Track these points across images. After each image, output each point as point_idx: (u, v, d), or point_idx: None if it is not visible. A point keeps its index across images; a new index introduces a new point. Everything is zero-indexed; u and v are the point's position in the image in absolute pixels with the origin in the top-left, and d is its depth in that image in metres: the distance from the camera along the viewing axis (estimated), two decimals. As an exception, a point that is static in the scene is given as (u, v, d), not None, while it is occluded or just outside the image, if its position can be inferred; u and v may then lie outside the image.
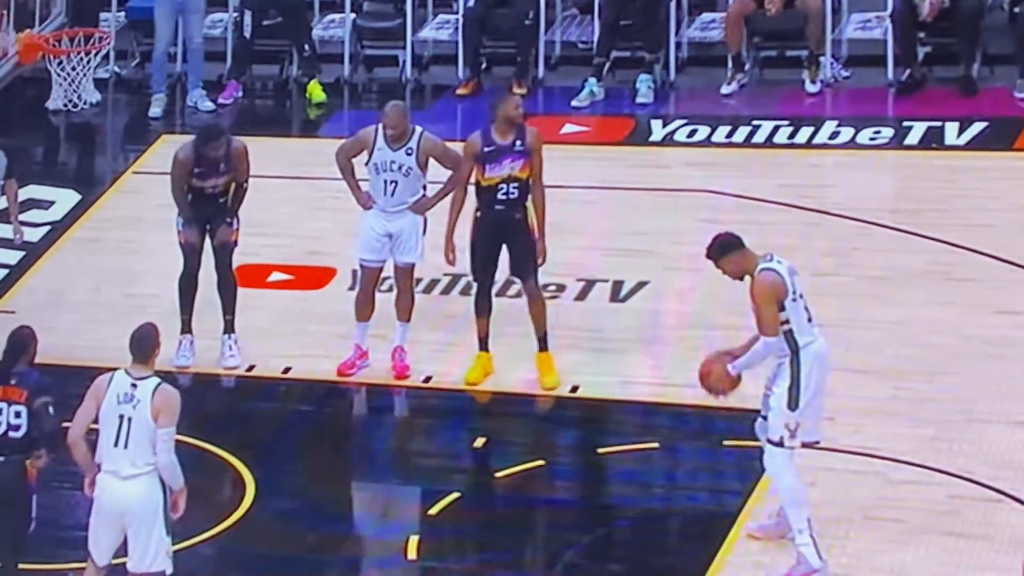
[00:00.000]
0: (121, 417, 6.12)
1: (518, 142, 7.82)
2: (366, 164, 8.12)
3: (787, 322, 6.39)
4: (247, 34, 11.24)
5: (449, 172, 8.13)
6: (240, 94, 11.35)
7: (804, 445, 6.49)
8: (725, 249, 6.46)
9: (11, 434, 6.34)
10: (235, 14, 11.63)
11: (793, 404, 6.39)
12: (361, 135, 8.20)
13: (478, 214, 7.92)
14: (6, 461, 6.32)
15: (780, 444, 6.43)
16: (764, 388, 6.57)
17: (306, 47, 11.28)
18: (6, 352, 6.52)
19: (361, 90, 11.54)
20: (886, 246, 9.03)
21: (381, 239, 8.12)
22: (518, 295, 8.33)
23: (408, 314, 8.18)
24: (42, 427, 6.34)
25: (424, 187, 8.14)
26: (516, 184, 7.82)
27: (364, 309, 8.23)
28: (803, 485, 6.49)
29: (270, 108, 11.80)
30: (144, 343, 6.23)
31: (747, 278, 6.44)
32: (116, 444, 6.12)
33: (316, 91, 11.18)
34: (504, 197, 7.82)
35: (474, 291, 8.09)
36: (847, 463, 7.21)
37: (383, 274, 8.31)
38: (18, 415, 6.35)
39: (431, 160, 8.10)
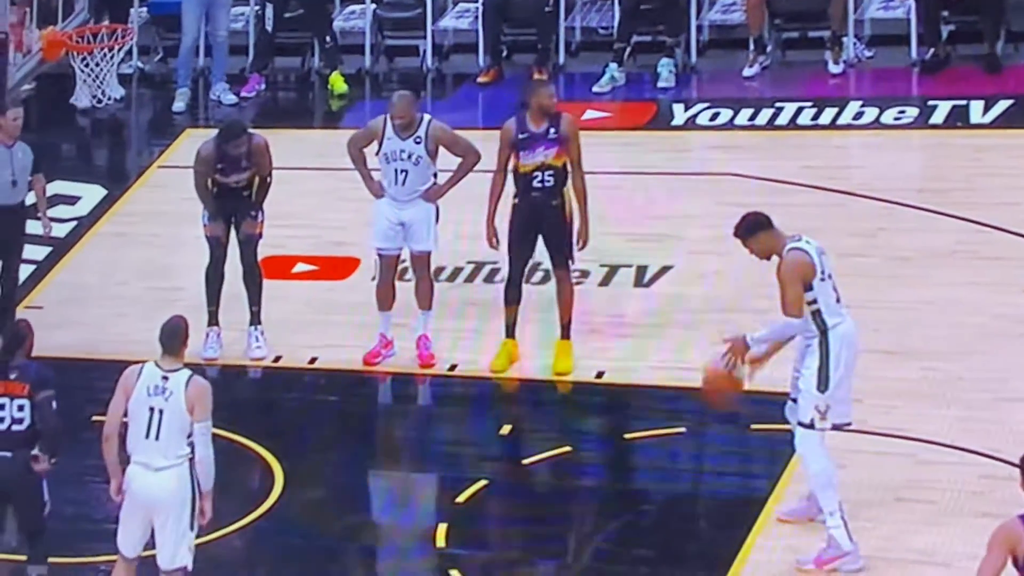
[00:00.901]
0: (152, 409, 6.15)
1: (552, 130, 7.84)
2: (377, 154, 8.16)
3: (815, 302, 6.36)
4: (269, 27, 11.24)
5: (459, 159, 8.14)
6: (263, 87, 11.38)
7: (835, 427, 6.46)
8: (753, 229, 6.43)
9: (15, 428, 6.37)
10: (257, 7, 11.66)
11: (823, 385, 6.36)
12: (371, 125, 8.25)
13: (515, 200, 7.93)
14: (13, 456, 6.35)
15: (811, 426, 6.40)
16: (793, 371, 6.55)
17: (327, 39, 11.29)
18: (3, 346, 6.55)
19: (382, 80, 11.55)
20: (912, 226, 8.97)
21: (395, 227, 8.15)
22: (542, 282, 8.32)
23: (428, 302, 8.20)
24: (45, 423, 6.36)
25: (435, 175, 8.16)
26: (551, 172, 7.83)
27: (385, 298, 8.25)
28: (834, 467, 6.47)
29: (292, 100, 11.82)
30: (174, 335, 6.26)
31: (774, 258, 6.41)
32: (148, 436, 6.15)
33: (338, 82, 11.19)
34: (540, 185, 7.84)
35: (504, 278, 8.09)
36: (877, 445, 7.17)
37: (403, 264, 8.33)
38: (21, 408, 6.37)
39: (441, 148, 8.10)
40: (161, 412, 6.14)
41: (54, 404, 6.35)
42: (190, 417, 6.14)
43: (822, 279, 6.37)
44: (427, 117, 8.13)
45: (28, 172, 8.71)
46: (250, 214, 8.35)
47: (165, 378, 6.17)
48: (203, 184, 8.37)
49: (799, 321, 6.33)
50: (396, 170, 8.08)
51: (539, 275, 8.43)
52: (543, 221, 7.89)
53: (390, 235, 8.17)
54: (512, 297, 8.02)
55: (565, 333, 8.03)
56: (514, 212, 7.94)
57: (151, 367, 6.23)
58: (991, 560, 4.91)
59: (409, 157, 8.05)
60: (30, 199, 8.90)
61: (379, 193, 8.18)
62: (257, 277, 8.44)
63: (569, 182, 7.90)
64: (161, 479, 6.14)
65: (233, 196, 8.36)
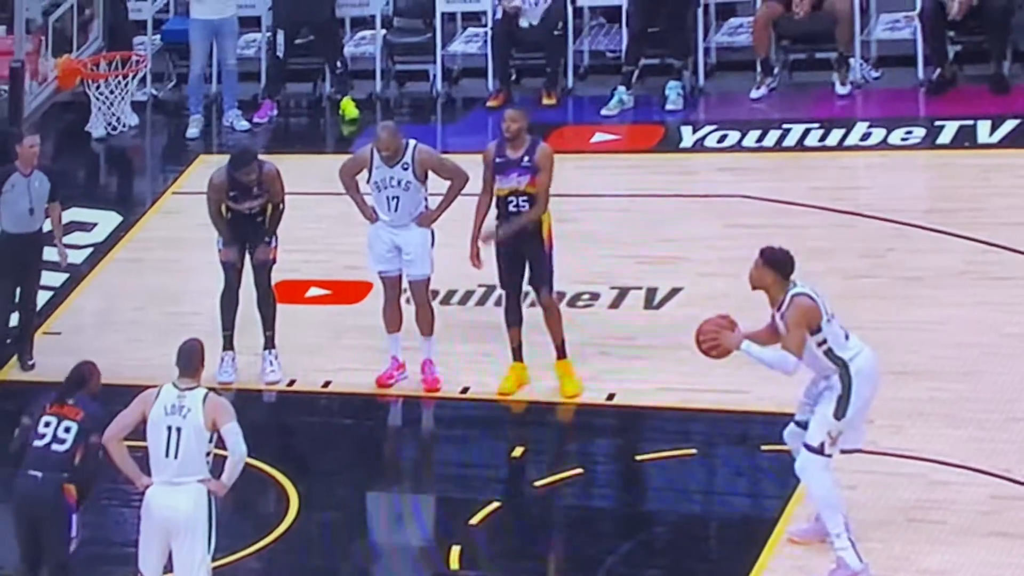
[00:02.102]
0: (169, 428, 6.23)
1: (526, 157, 7.89)
2: (367, 182, 8.26)
3: (825, 342, 6.41)
4: (280, 54, 11.34)
5: (448, 183, 8.21)
6: (275, 113, 11.47)
7: (843, 451, 6.50)
8: (775, 264, 6.42)
9: (54, 446, 6.41)
10: (268, 34, 11.77)
11: (840, 413, 6.40)
12: (358, 155, 8.37)
13: (496, 221, 8.00)
14: (44, 478, 6.40)
15: (819, 450, 6.44)
16: (803, 396, 6.58)
17: (338, 64, 11.39)
18: (65, 382, 6.63)
19: (393, 105, 11.64)
20: (921, 246, 9.00)
21: (392, 250, 8.24)
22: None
23: (430, 327, 8.26)
24: (86, 467, 6.41)
25: (426, 199, 8.23)
26: (524, 197, 7.90)
27: (392, 320, 8.32)
28: (838, 489, 6.50)
29: (304, 125, 11.92)
30: (191, 357, 6.36)
31: (762, 293, 6.45)
32: (167, 455, 6.23)
33: (349, 108, 11.28)
34: (515, 209, 7.91)
35: (503, 302, 8.14)
36: (887, 465, 7.20)
37: (405, 289, 8.36)
38: (67, 430, 6.43)
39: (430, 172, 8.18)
40: (179, 430, 6.22)
41: (100, 454, 6.39)
42: (208, 433, 6.22)
43: (828, 320, 6.42)
44: (412, 142, 8.21)
45: (45, 200, 8.82)
46: (264, 240, 8.43)
47: (182, 396, 6.26)
48: (216, 211, 8.47)
49: (796, 361, 6.35)
50: (388, 197, 8.17)
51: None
52: (522, 244, 7.93)
53: (387, 257, 8.26)
54: (512, 320, 8.07)
55: (560, 353, 8.06)
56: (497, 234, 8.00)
57: (168, 387, 6.32)
58: None
59: (399, 184, 8.14)
60: (46, 226, 9.01)
61: (373, 218, 8.28)
62: (271, 302, 8.52)
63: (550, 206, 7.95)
64: (178, 499, 6.21)
65: (247, 222, 8.45)
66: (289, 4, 11.22)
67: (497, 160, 7.95)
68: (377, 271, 8.36)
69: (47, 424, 6.46)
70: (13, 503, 6.49)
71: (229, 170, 8.41)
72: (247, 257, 8.50)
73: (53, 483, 6.39)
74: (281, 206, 8.48)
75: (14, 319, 9.00)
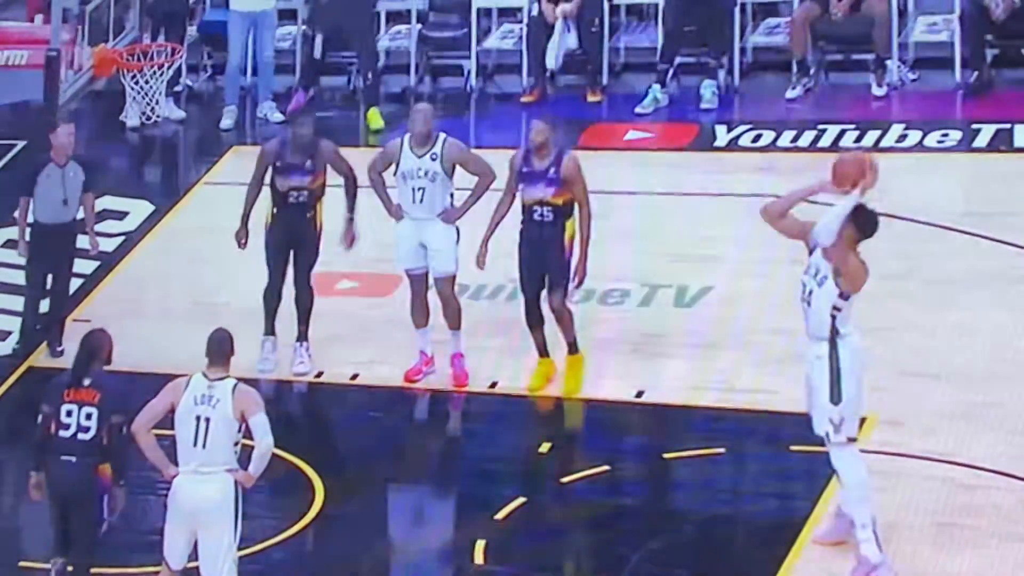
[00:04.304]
0: (198, 418, 6.25)
1: (552, 169, 7.84)
2: (395, 174, 8.25)
3: (840, 310, 6.40)
4: (317, 54, 11.28)
5: (475, 178, 8.19)
6: (304, 102, 11.36)
7: (849, 440, 6.45)
8: (864, 224, 6.40)
9: (80, 436, 6.46)
10: (304, 27, 11.79)
11: (836, 397, 6.38)
12: (387, 148, 8.38)
13: (521, 227, 7.98)
14: (78, 462, 6.45)
15: (826, 439, 6.41)
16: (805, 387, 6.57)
17: (369, 75, 11.25)
18: (79, 355, 6.65)
19: (426, 100, 11.64)
20: (956, 249, 8.94)
21: (418, 248, 8.23)
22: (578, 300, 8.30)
23: (457, 321, 8.25)
24: (114, 447, 6.45)
25: (452, 195, 8.22)
26: (550, 208, 7.86)
27: (420, 315, 8.32)
28: (869, 480, 6.44)
29: (337, 119, 11.90)
30: (221, 347, 6.38)
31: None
32: (195, 444, 6.25)
33: (375, 118, 11.14)
34: (539, 219, 7.88)
35: (522, 305, 8.08)
36: (918, 468, 7.15)
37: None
38: (89, 417, 6.46)
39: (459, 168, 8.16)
40: (208, 420, 6.24)
41: (124, 430, 6.43)
42: (237, 424, 6.24)
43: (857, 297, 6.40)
44: (443, 135, 8.21)
45: (79, 191, 8.84)
46: (312, 244, 8.37)
47: (211, 387, 6.28)
48: (256, 178, 8.39)
49: (831, 237, 6.24)
50: (414, 188, 8.15)
51: (577, 295, 8.43)
52: (543, 249, 7.90)
53: (413, 255, 8.26)
54: (532, 321, 8.02)
55: (571, 349, 8.03)
56: (520, 240, 8.00)
57: (198, 377, 6.34)
58: None
59: (426, 174, 8.13)
60: (80, 215, 9.05)
61: (398, 215, 8.28)
62: (308, 298, 8.50)
63: (575, 214, 7.87)
64: (206, 488, 6.23)
65: (294, 217, 8.35)
66: (329, 10, 11.12)
67: (523, 170, 7.90)
68: (404, 269, 8.36)
69: (69, 413, 6.49)
70: (49, 489, 6.53)
71: (282, 139, 8.38)
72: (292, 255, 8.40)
73: (87, 466, 6.44)
74: (352, 175, 8.35)
75: (44, 306, 9.05)
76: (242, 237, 8.53)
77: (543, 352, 8.10)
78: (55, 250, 8.82)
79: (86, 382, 6.52)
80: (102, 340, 6.65)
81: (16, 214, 8.94)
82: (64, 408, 6.49)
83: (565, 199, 7.86)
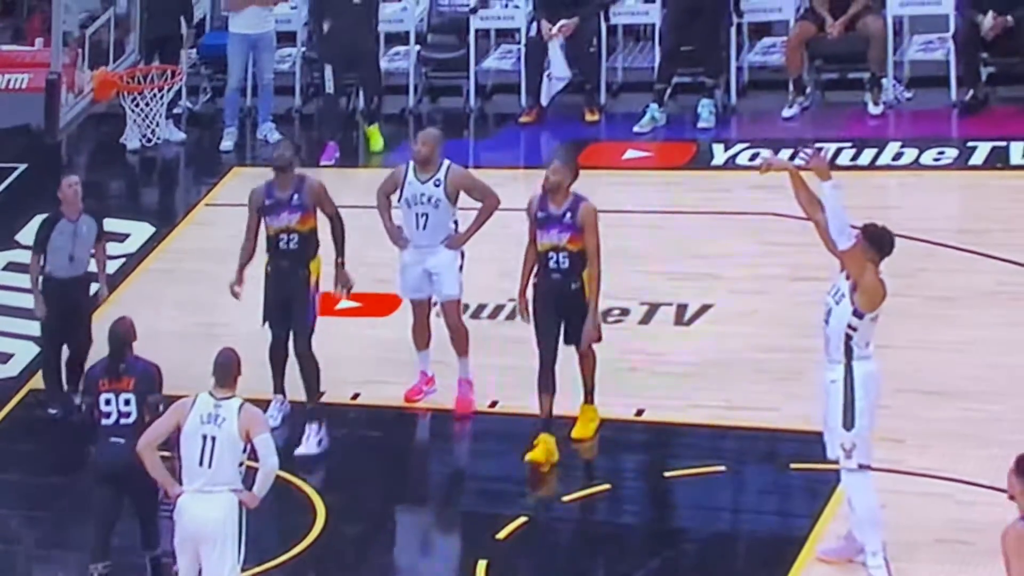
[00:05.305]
0: (204, 437, 6.29)
1: (568, 214, 7.56)
2: (398, 200, 8.21)
3: (855, 330, 6.40)
4: (330, 89, 10.95)
5: (479, 204, 8.15)
6: (339, 155, 10.95)
7: (860, 467, 6.47)
8: (877, 241, 6.45)
9: (123, 421, 6.72)
10: (303, 48, 11.81)
11: (849, 423, 6.39)
12: (394, 172, 8.31)
13: (535, 280, 7.71)
14: (127, 444, 6.59)
15: (837, 463, 6.42)
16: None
17: (375, 99, 11.10)
18: (113, 346, 6.88)
19: (426, 120, 11.69)
20: (952, 267, 8.97)
21: (422, 276, 8.19)
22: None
23: (464, 348, 8.18)
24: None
25: (455, 222, 8.18)
26: (565, 254, 7.55)
27: (420, 338, 8.30)
28: (879, 506, 6.47)
29: (337, 139, 11.97)
30: (226, 367, 6.43)
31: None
32: (201, 464, 6.29)
33: (375, 138, 11.08)
34: (555, 266, 7.57)
35: (538, 365, 7.63)
36: (917, 485, 7.16)
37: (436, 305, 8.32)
38: (127, 403, 6.73)
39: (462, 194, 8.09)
40: (214, 439, 6.28)
41: (161, 408, 6.62)
42: (243, 443, 6.28)
43: (873, 318, 6.42)
44: (447, 162, 8.15)
45: (91, 245, 8.70)
46: (306, 300, 7.93)
47: (218, 406, 6.33)
48: (249, 226, 8.13)
49: (848, 241, 6.31)
50: (417, 214, 8.11)
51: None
52: (563, 304, 7.57)
53: (417, 284, 8.22)
54: (544, 384, 7.55)
55: (588, 399, 7.77)
56: (535, 293, 7.70)
57: (204, 396, 6.39)
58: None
59: (429, 200, 8.09)
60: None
61: (401, 244, 8.20)
62: (310, 370, 7.93)
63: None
64: (209, 507, 6.26)
65: (288, 268, 7.91)
66: (337, 39, 10.91)
67: (538, 215, 7.60)
68: (409, 299, 8.32)
69: (107, 402, 6.74)
70: (98, 472, 6.76)
71: (269, 179, 8.16)
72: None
73: (135, 447, 6.52)
74: (337, 216, 8.00)
75: (50, 352, 8.81)
76: (236, 288, 8.17)
77: (547, 425, 7.60)
78: (69, 303, 8.66)
79: (121, 369, 6.74)
80: (129, 327, 6.92)
81: (28, 274, 8.78)
82: (102, 397, 6.75)
83: (580, 247, 7.55)
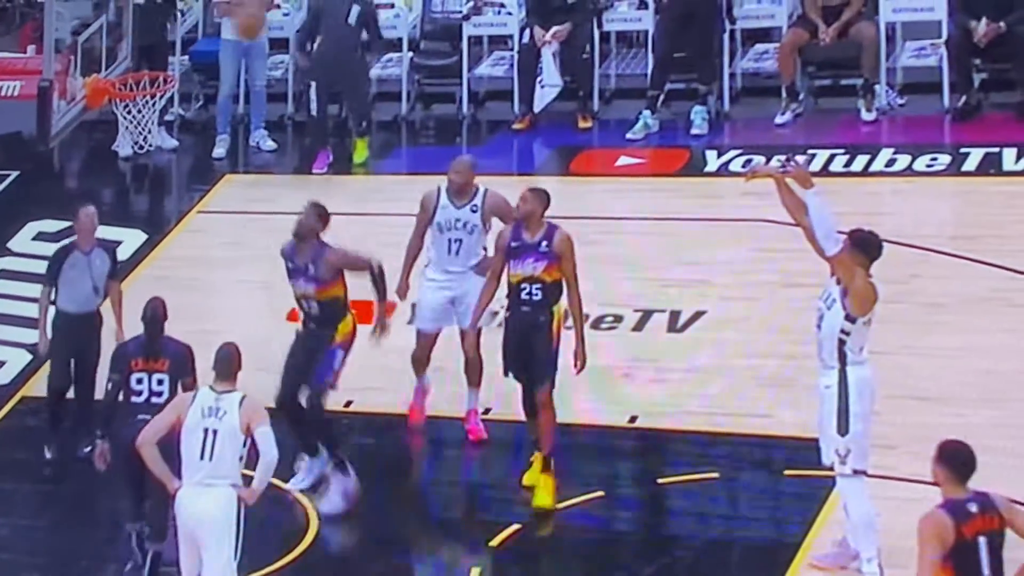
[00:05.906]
0: (206, 431, 6.30)
1: (544, 242, 7.33)
2: (429, 225, 7.89)
3: (848, 335, 6.41)
4: (314, 111, 10.78)
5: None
6: (331, 160, 10.86)
7: (855, 472, 6.47)
8: (864, 246, 6.43)
9: (154, 400, 6.82)
10: (294, 58, 11.79)
11: (843, 429, 6.39)
12: (423, 201, 7.98)
13: (506, 315, 7.50)
14: None
15: (831, 470, 6.42)
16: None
17: (363, 123, 10.94)
18: (147, 328, 7.00)
19: (418, 127, 11.70)
20: (945, 273, 8.98)
21: (445, 306, 7.96)
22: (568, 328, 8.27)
23: (478, 378, 7.98)
24: None
25: (484, 247, 7.97)
26: (539, 285, 7.32)
27: (419, 366, 8.14)
28: (875, 513, 6.46)
29: (330, 146, 11.97)
30: (227, 361, 6.45)
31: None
32: (202, 457, 6.29)
33: (361, 149, 10.97)
34: (527, 297, 7.33)
35: (520, 391, 7.48)
36: (909, 491, 7.15)
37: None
38: (160, 383, 6.87)
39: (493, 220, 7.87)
40: (215, 432, 6.29)
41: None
42: (243, 437, 6.27)
43: (866, 323, 6.42)
44: (483, 187, 7.94)
45: (105, 278, 8.34)
46: (323, 358, 7.45)
47: (219, 399, 6.35)
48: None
49: (835, 246, 6.30)
50: (451, 240, 7.87)
51: (570, 320, 8.42)
52: (529, 337, 7.33)
53: (435, 317, 7.96)
54: (530, 406, 7.45)
55: (545, 465, 7.34)
56: (505, 328, 7.47)
57: (205, 390, 6.41)
58: (929, 556, 4.87)
59: (464, 226, 7.88)
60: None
61: (403, 294, 7.94)
62: (319, 425, 7.57)
63: (563, 299, 7.34)
64: (207, 500, 6.26)
65: (313, 330, 7.50)
66: (323, 59, 10.75)
67: (512, 244, 7.35)
68: (419, 328, 8.05)
69: (139, 381, 6.85)
70: (123, 449, 6.72)
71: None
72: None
73: None
74: (372, 271, 7.55)
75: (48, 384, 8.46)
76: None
77: (538, 443, 7.45)
78: (80, 339, 8.24)
79: (157, 350, 6.85)
80: (162, 307, 7.08)
81: (38, 306, 8.35)
82: (134, 376, 6.86)
83: (555, 278, 7.32)
